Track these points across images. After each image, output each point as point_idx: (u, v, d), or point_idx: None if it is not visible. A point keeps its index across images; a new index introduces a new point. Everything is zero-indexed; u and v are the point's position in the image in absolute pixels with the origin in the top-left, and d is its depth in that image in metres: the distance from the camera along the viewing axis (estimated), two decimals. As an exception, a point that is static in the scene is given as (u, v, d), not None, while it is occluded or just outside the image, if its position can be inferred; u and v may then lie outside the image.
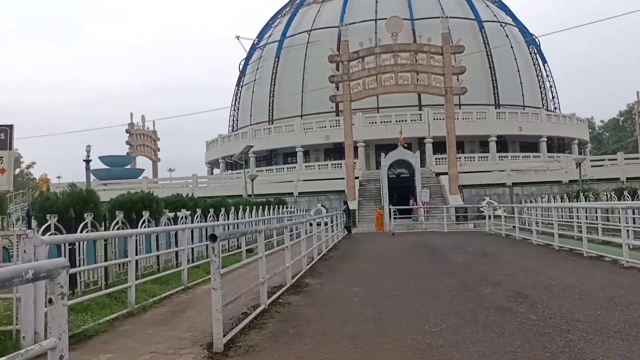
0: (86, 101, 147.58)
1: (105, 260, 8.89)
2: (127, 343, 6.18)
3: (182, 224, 12.30)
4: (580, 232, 19.13)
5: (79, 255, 8.14)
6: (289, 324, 6.66)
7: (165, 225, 11.59)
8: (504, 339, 5.45)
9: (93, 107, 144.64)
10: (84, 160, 29.11)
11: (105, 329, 6.78)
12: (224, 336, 5.74)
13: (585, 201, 22.35)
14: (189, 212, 13.20)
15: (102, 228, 9.30)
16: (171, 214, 12.24)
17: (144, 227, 10.24)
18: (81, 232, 8.14)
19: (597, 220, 17.95)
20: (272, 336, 6.10)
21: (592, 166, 42.03)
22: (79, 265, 8.06)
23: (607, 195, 21.45)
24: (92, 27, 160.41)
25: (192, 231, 12.52)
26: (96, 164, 57.65)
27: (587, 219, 14.81)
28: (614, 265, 11.07)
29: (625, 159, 43.07)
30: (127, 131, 65.14)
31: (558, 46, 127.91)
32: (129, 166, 60.02)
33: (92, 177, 52.81)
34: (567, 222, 21.49)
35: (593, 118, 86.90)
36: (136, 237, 9.76)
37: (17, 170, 63.95)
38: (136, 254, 9.81)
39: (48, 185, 25.23)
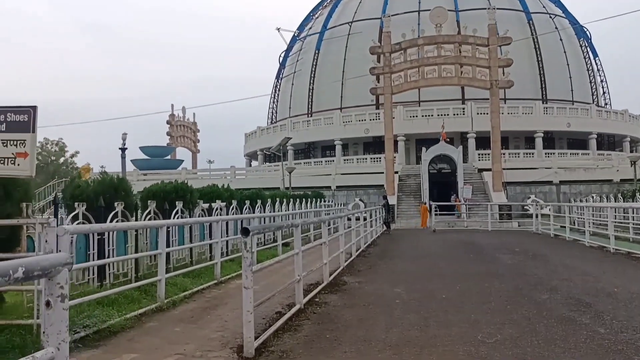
0: (129, 96, 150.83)
1: (136, 251, 8.56)
2: (153, 342, 5.79)
3: (217, 215, 11.94)
4: (637, 234, 18.01)
5: (109, 246, 7.83)
6: (326, 327, 6.14)
7: (199, 216, 11.24)
8: (570, 355, 4.78)
9: (138, 102, 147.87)
10: (119, 148, 29.27)
11: (132, 324, 6.42)
12: (255, 339, 5.27)
13: (643, 201, 21.01)
14: (224, 203, 12.84)
15: (134, 218, 8.97)
16: (205, 205, 11.88)
17: (177, 217, 9.90)
18: (111, 221, 7.82)
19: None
20: (308, 341, 5.59)
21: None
22: (108, 257, 7.75)
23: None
24: (131, 23, 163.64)
25: (227, 223, 12.15)
26: (137, 155, 58.77)
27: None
28: (682, 272, 10.11)
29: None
30: (167, 122, 65.93)
31: (609, 41, 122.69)
32: (169, 157, 60.76)
33: (133, 167, 53.75)
34: (622, 223, 20.28)
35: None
36: (168, 228, 9.43)
37: (62, 159, 65.53)
38: (168, 246, 9.50)
39: (80, 174, 25.36)
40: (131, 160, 57.93)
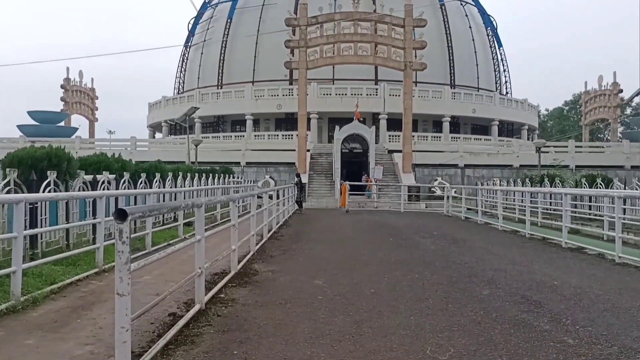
0: (23, 60, 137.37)
1: (-13, 233, 6.63)
2: (-14, 365, 4.12)
3: (103, 190, 10.04)
4: (545, 219, 18.20)
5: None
6: (234, 337, 4.76)
7: (79, 190, 9.29)
8: (548, 379, 3.77)
9: (31, 66, 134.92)
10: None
11: (-37, 336, 4.67)
12: (134, 363, 3.79)
13: (551, 187, 21.43)
14: (114, 176, 10.91)
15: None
16: (89, 177, 9.92)
17: (49, 191, 7.97)
18: (-53, 194, 5.86)
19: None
20: (208, 360, 4.18)
21: (541, 152, 41.79)
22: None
23: (577, 182, 20.55)
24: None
25: (115, 200, 10.28)
26: (26, 120, 53.05)
27: (568, 206, 13.49)
28: (605, 261, 9.77)
29: (575, 146, 43.16)
30: (62, 87, 60.30)
31: (510, 32, 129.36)
32: (62, 124, 55.58)
33: (20, 134, 48.40)
34: (530, 207, 20.51)
35: (539, 106, 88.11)
36: (34, 204, 7.53)
37: None
38: (33, 227, 7.61)
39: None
40: (18, 126, 52.27)
